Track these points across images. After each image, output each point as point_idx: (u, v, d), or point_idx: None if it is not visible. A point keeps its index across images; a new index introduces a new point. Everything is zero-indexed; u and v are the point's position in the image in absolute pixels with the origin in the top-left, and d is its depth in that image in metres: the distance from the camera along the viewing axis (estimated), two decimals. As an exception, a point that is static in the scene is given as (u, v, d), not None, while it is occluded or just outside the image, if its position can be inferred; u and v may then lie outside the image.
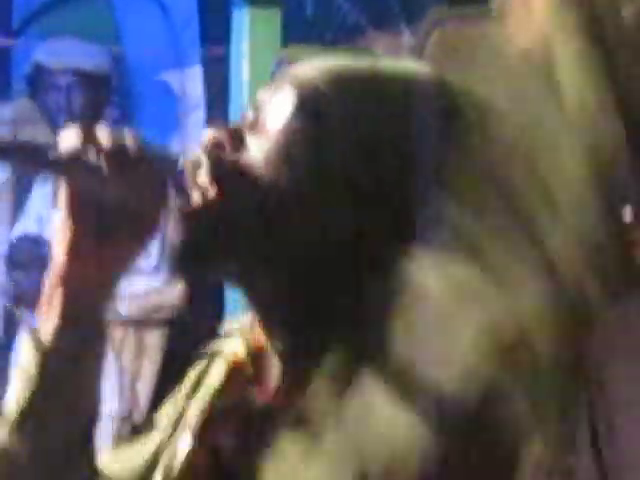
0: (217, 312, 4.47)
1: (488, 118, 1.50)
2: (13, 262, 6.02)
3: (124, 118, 6.40)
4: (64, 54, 6.37)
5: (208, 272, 1.70)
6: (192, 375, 1.76)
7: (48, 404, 1.55)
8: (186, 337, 4.98)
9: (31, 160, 1.59)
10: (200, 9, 6.38)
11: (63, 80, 6.18)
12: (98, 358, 1.58)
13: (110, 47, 6.53)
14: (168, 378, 2.04)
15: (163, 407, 1.76)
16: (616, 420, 3.17)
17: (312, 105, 1.57)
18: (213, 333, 1.79)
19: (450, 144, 1.49)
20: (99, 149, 1.46)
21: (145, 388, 5.50)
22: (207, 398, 1.67)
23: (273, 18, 4.97)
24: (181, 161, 1.57)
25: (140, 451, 1.74)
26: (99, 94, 6.28)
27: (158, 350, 5.44)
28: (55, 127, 6.11)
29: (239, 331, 1.73)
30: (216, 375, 1.73)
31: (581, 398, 2.73)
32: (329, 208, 1.56)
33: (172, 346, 5.29)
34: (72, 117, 6.06)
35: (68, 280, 1.51)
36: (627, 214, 2.69)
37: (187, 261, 1.55)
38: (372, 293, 1.49)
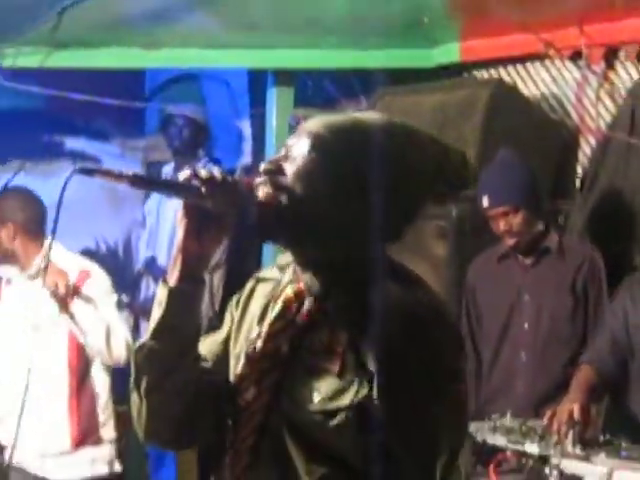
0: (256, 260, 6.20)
1: (410, 148, 2.29)
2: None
3: (208, 150, 8.05)
4: (182, 107, 7.82)
5: (270, 238, 2.34)
6: (246, 290, 2.53)
7: (171, 319, 2.25)
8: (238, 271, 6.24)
9: (165, 188, 2.41)
10: (249, 87, 8.22)
11: (179, 121, 7.57)
12: (198, 295, 2.32)
13: (201, 107, 8.36)
14: (229, 292, 2.69)
15: (226, 312, 2.56)
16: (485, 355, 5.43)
17: (318, 145, 2.23)
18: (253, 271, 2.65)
19: (390, 159, 2.22)
20: (200, 179, 2.17)
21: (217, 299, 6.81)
22: (272, 317, 2.34)
23: (289, 93, 6.94)
24: (242, 182, 2.26)
25: (215, 339, 2.51)
26: (198, 132, 7.66)
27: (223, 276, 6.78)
28: (173, 152, 7.73)
29: (277, 269, 2.48)
30: (265, 300, 2.45)
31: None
32: (330, 202, 2.21)
33: (230, 276, 6.65)
34: (182, 143, 7.55)
35: (183, 253, 2.24)
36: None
37: (260, 233, 2.27)
38: (358, 262, 2.22)
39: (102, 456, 5.25)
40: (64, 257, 5.18)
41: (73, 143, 8.89)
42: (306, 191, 2.18)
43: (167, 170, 7.68)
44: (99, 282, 5.25)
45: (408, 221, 2.35)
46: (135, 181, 2.25)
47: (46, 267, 4.87)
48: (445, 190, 2.43)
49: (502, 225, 5.21)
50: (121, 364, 5.17)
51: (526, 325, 5.32)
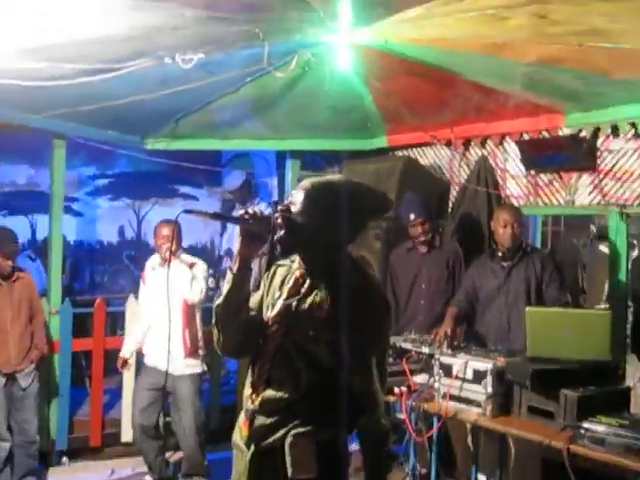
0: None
1: (359, 194, 2.46)
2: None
3: (255, 194, 7.95)
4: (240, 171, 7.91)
5: (284, 245, 2.41)
6: (271, 270, 2.65)
7: (236, 288, 2.43)
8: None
9: (230, 220, 3.02)
10: (277, 159, 8.30)
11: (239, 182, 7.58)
12: (247, 276, 2.46)
13: (251, 171, 8.46)
14: (267, 269, 2.68)
15: (262, 281, 2.68)
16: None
17: (308, 195, 2.39)
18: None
19: (347, 200, 2.40)
20: (249, 214, 2.36)
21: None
22: (288, 287, 2.53)
23: (297, 163, 7.16)
24: (270, 216, 2.40)
25: (256, 297, 2.64)
26: (249, 184, 7.71)
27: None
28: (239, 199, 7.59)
29: (289, 260, 2.59)
30: (283, 276, 2.59)
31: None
32: (314, 226, 2.39)
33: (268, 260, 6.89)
34: (242, 194, 7.55)
35: (240, 254, 2.41)
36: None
37: (281, 248, 2.41)
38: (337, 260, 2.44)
39: (199, 362, 5.49)
40: (186, 256, 5.58)
41: (183, 189, 9.67)
42: (301, 221, 2.42)
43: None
44: (200, 267, 5.50)
45: (357, 233, 2.58)
46: (213, 216, 2.61)
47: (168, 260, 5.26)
48: (377, 215, 2.73)
49: (419, 229, 5.49)
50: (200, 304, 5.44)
51: (423, 285, 5.58)
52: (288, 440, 2.41)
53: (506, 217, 4.94)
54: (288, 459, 2.39)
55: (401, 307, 5.68)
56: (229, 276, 2.43)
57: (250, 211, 2.40)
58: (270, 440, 2.45)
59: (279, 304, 2.52)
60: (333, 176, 2.64)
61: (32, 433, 5.31)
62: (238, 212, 2.49)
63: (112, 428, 6.18)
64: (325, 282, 2.48)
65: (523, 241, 5.00)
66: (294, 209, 2.41)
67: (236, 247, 2.47)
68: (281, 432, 2.43)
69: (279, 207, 2.42)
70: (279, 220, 2.38)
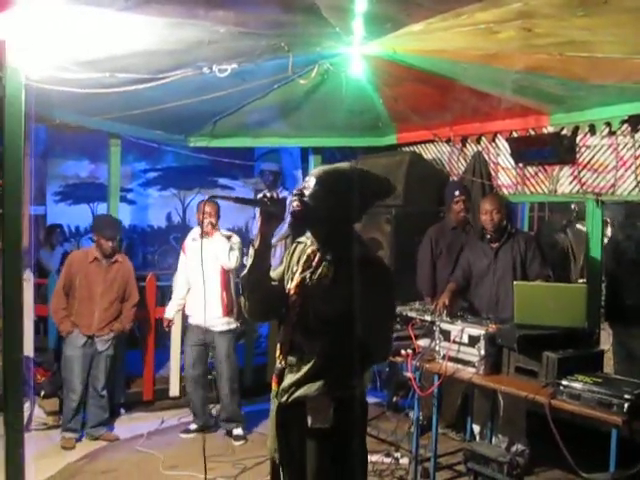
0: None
1: (364, 179, 2.41)
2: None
3: (283, 184, 8.09)
4: (270, 164, 8.11)
5: (299, 225, 2.42)
6: (291, 248, 2.63)
7: (258, 261, 2.41)
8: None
9: (251, 203, 2.75)
10: (301, 155, 8.10)
11: (269, 170, 7.78)
12: (268, 252, 2.43)
13: (279, 164, 8.50)
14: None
15: (284, 256, 2.65)
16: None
17: (319, 179, 2.38)
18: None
19: (354, 184, 2.37)
20: (268, 198, 2.35)
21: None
22: (302, 262, 2.51)
23: (318, 158, 7.06)
24: (287, 199, 2.37)
25: (279, 270, 2.62)
26: (277, 176, 7.83)
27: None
28: (267, 186, 7.56)
29: (305, 238, 2.56)
30: (299, 253, 2.56)
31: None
32: (325, 207, 2.36)
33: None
34: (270, 182, 7.59)
35: (260, 232, 2.37)
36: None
37: (294, 226, 2.40)
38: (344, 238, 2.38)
39: (234, 320, 5.44)
40: (223, 230, 5.49)
41: (222, 180, 9.74)
42: (314, 203, 2.40)
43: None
44: (236, 239, 5.44)
45: (362, 212, 2.51)
46: (236, 200, 2.52)
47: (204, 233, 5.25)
48: (380, 197, 2.58)
49: (461, 205, 5.44)
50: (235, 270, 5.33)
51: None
52: (309, 395, 2.40)
53: (486, 206, 4.91)
54: (308, 411, 2.39)
55: (441, 276, 5.53)
56: (251, 251, 2.41)
57: (268, 195, 2.37)
58: (296, 395, 2.44)
59: (296, 277, 2.50)
60: (342, 164, 2.53)
61: (100, 388, 5.35)
62: (258, 196, 2.48)
63: (162, 384, 6.25)
64: (332, 255, 2.44)
65: (508, 225, 4.93)
66: (307, 192, 2.38)
67: (257, 226, 2.43)
68: (304, 388, 2.42)
69: (294, 192, 2.40)
70: (295, 202, 2.36)
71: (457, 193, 5.42)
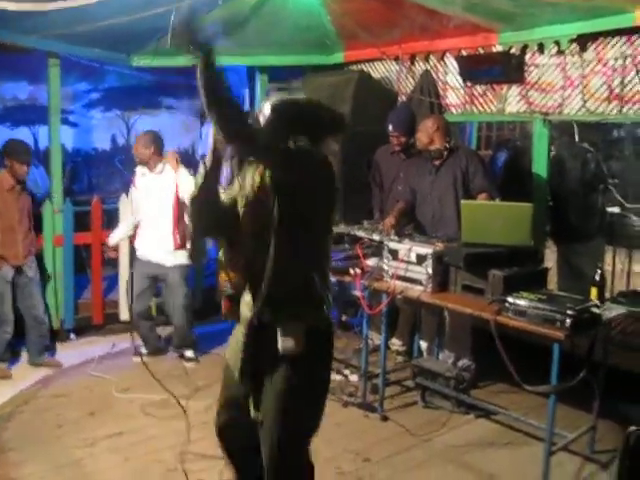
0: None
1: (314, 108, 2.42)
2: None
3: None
4: None
5: (244, 144, 2.34)
6: (243, 168, 2.52)
7: (206, 182, 2.42)
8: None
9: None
10: (247, 73, 7.49)
11: None
12: (218, 171, 2.46)
13: None
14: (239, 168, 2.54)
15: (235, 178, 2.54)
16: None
17: (272, 107, 2.38)
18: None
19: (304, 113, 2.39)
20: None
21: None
22: (248, 180, 2.41)
23: (265, 77, 6.89)
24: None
25: (231, 190, 2.53)
26: None
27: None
28: None
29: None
30: (250, 173, 2.44)
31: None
32: (275, 128, 2.37)
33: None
34: None
35: (213, 158, 2.39)
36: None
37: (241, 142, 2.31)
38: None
39: (185, 254, 5.37)
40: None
41: (167, 101, 9.52)
42: (265, 125, 2.40)
43: None
44: (183, 170, 5.33)
45: (316, 141, 2.42)
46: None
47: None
48: (333, 130, 2.50)
49: (394, 141, 5.42)
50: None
51: (400, 187, 5.38)
52: (280, 319, 2.35)
53: (419, 127, 4.98)
54: (280, 336, 2.34)
55: (385, 194, 5.66)
56: (202, 170, 2.40)
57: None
58: (263, 319, 2.37)
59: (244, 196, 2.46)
60: (293, 95, 2.50)
61: (40, 315, 5.30)
62: None
63: (111, 309, 6.25)
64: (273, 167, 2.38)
65: (449, 142, 4.90)
66: (261, 119, 2.37)
67: (209, 147, 2.41)
68: (271, 311, 2.36)
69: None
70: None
71: (390, 128, 5.36)
